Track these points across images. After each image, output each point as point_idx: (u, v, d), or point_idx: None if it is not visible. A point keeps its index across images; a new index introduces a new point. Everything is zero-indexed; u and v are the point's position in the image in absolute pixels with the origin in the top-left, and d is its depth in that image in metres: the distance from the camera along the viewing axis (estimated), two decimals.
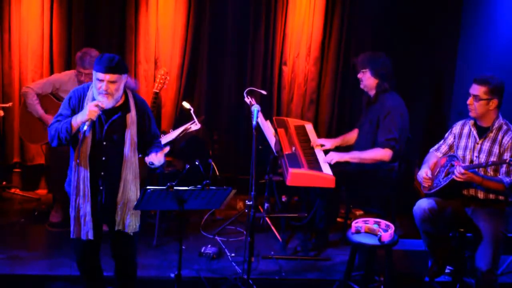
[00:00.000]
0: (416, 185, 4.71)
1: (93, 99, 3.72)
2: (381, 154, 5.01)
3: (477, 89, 4.28)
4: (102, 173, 3.76)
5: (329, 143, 5.39)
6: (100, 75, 3.63)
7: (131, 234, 3.84)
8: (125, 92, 3.80)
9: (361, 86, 5.22)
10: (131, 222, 3.80)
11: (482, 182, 4.21)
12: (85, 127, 3.62)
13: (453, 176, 4.22)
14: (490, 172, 4.29)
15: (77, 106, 3.77)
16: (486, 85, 4.26)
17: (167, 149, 3.75)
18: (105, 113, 3.72)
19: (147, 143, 3.89)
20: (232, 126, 6.32)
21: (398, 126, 5.03)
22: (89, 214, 3.75)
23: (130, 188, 3.78)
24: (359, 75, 5.19)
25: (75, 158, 3.72)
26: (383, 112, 5.05)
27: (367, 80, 5.15)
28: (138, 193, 3.79)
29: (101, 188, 3.78)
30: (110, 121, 3.73)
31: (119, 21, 5.95)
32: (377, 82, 5.11)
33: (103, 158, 3.75)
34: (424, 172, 4.47)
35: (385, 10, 6.14)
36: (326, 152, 5.23)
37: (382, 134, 5.03)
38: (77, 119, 3.66)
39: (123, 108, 3.77)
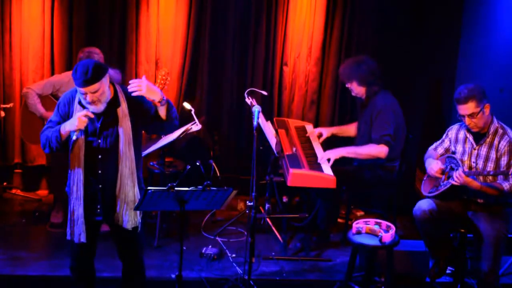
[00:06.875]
0: (417, 186, 4.70)
1: (80, 101, 3.72)
2: (377, 150, 5.02)
3: (467, 108, 4.18)
4: (100, 171, 3.76)
5: (326, 131, 5.49)
6: (81, 90, 3.62)
7: (131, 229, 3.82)
8: (113, 86, 3.77)
9: (353, 94, 5.30)
10: (130, 218, 3.79)
11: (481, 188, 4.17)
12: (74, 137, 3.66)
13: (451, 181, 4.20)
14: (489, 177, 4.27)
15: (66, 112, 3.79)
16: (473, 99, 4.16)
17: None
18: (96, 113, 3.71)
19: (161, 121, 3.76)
20: (233, 127, 6.31)
21: (391, 122, 5.05)
22: (82, 217, 3.77)
23: (127, 183, 3.76)
24: (347, 85, 5.26)
25: (70, 164, 3.74)
26: (375, 111, 5.10)
27: (356, 89, 5.23)
28: (136, 188, 3.80)
29: (100, 186, 3.78)
30: (101, 120, 3.73)
31: (120, 21, 5.95)
32: (366, 89, 5.16)
33: (99, 156, 3.75)
34: (435, 165, 4.41)
35: (386, 10, 6.13)
36: (324, 145, 5.27)
37: (376, 131, 5.06)
38: (66, 128, 3.68)
39: (112, 104, 3.74)
